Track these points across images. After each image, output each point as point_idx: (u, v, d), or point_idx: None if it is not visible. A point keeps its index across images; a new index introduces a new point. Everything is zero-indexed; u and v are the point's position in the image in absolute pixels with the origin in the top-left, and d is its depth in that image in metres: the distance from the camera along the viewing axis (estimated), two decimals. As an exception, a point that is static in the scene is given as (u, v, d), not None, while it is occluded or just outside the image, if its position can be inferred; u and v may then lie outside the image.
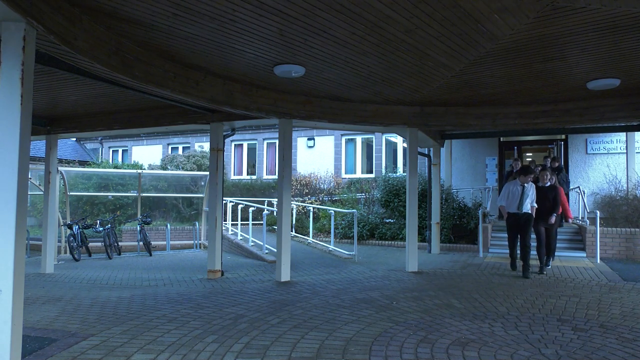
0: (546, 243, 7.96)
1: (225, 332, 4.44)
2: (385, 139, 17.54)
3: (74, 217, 14.54)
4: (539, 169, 8.87)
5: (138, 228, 13.05)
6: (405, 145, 14.61)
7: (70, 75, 5.75)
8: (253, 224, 11.56)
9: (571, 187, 12.33)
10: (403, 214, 11.49)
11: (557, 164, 10.77)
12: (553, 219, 7.89)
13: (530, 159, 16.95)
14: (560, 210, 8.48)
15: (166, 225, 14.48)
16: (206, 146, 20.04)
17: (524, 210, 7.53)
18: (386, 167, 17.05)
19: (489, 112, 7.96)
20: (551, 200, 7.88)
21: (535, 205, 7.59)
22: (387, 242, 12.34)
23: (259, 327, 4.61)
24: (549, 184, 8.05)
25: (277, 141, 9.45)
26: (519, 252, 7.91)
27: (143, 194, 15.76)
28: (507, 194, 7.72)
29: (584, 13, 4.17)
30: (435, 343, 4.09)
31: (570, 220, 9.73)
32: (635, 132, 11.62)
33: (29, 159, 3.58)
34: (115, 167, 18.90)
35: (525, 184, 7.58)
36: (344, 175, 17.93)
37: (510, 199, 7.68)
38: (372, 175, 17.23)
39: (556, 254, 9.29)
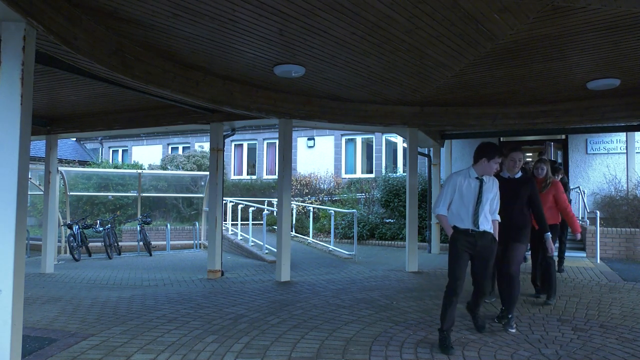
0: (506, 288, 4.64)
1: (225, 332, 4.44)
2: (385, 139, 17.54)
3: (74, 217, 14.53)
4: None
5: (138, 228, 13.05)
6: (405, 145, 14.60)
7: (70, 75, 5.75)
8: (253, 224, 11.56)
9: (571, 187, 12.33)
10: (403, 214, 11.49)
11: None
12: (550, 245, 4.76)
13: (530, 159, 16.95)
14: (557, 219, 5.81)
15: (166, 225, 14.47)
16: (206, 146, 20.03)
17: (482, 228, 4.06)
18: (386, 167, 17.04)
19: (489, 112, 7.96)
20: (524, 200, 4.72)
21: (498, 218, 4.28)
22: (387, 242, 12.34)
23: (259, 327, 4.61)
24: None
25: (277, 141, 9.45)
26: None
27: (143, 194, 15.75)
28: (451, 193, 4.16)
29: (583, 13, 4.17)
30: (435, 343, 4.09)
31: (578, 236, 5.87)
32: (635, 132, 11.61)
33: (29, 159, 3.58)
34: (115, 167, 18.90)
35: (485, 177, 4.13)
36: (344, 175, 17.92)
37: (457, 203, 4.14)
38: (372, 175, 17.22)
39: (555, 254, 6.56)
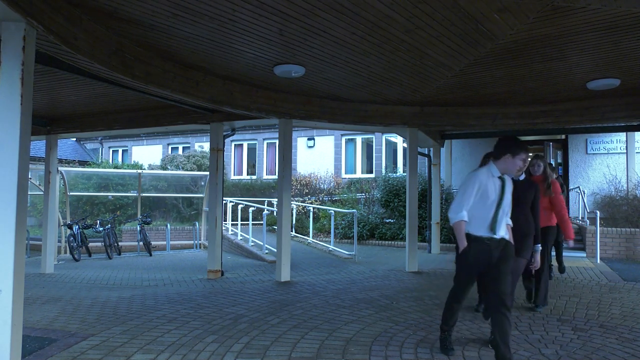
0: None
1: (225, 332, 4.44)
2: (385, 139, 17.54)
3: (74, 217, 14.53)
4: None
5: (138, 228, 13.06)
6: (405, 145, 14.61)
7: (70, 75, 5.75)
8: (253, 224, 11.56)
9: (571, 187, 12.33)
10: (403, 214, 11.49)
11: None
12: (538, 258, 4.37)
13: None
14: (554, 221, 5.39)
15: (166, 225, 14.48)
16: (206, 146, 20.04)
17: (499, 235, 3.60)
18: (386, 167, 17.05)
19: (489, 112, 7.96)
20: (528, 205, 4.38)
21: (510, 222, 3.78)
22: (387, 242, 12.34)
23: (259, 327, 4.61)
24: (524, 176, 4.66)
25: (277, 141, 9.46)
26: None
27: (143, 194, 15.75)
28: (475, 195, 3.61)
29: (583, 13, 4.17)
30: (435, 343, 4.09)
31: (571, 243, 5.37)
32: (635, 132, 11.62)
33: (29, 159, 3.58)
34: (115, 167, 18.91)
35: (506, 175, 3.69)
36: (344, 175, 17.93)
37: (477, 206, 3.62)
38: (372, 175, 17.23)
39: (553, 253, 6.76)
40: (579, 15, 4.22)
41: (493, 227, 3.58)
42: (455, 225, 3.65)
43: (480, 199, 3.59)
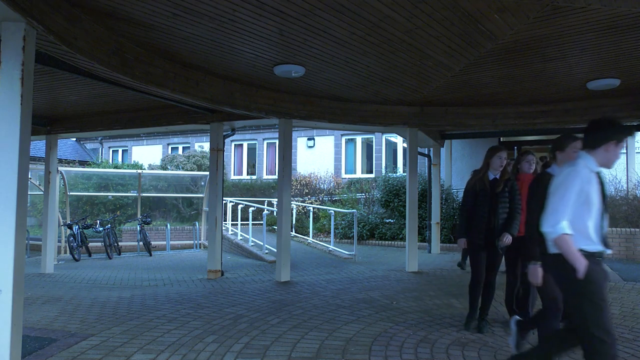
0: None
1: (225, 332, 4.44)
2: (385, 139, 17.53)
3: (74, 217, 14.53)
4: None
5: (138, 228, 13.06)
6: (405, 145, 14.60)
7: (70, 75, 5.75)
8: (253, 224, 11.56)
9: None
10: (403, 214, 11.48)
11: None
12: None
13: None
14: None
15: (166, 225, 14.47)
16: (206, 146, 20.03)
17: (605, 248, 2.82)
18: (386, 167, 17.04)
19: (489, 112, 7.96)
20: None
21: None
22: (387, 242, 12.33)
23: (259, 327, 4.61)
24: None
25: (277, 141, 9.45)
26: None
27: (143, 194, 15.75)
28: (573, 198, 2.66)
29: (583, 13, 4.17)
30: (435, 343, 4.09)
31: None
32: (636, 132, 11.61)
33: (29, 159, 3.58)
34: (115, 167, 18.90)
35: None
36: (344, 175, 17.92)
37: (581, 212, 2.68)
38: (372, 175, 17.22)
39: None
40: (579, 15, 4.22)
41: (604, 238, 2.74)
42: (559, 242, 2.64)
43: (584, 204, 2.66)
